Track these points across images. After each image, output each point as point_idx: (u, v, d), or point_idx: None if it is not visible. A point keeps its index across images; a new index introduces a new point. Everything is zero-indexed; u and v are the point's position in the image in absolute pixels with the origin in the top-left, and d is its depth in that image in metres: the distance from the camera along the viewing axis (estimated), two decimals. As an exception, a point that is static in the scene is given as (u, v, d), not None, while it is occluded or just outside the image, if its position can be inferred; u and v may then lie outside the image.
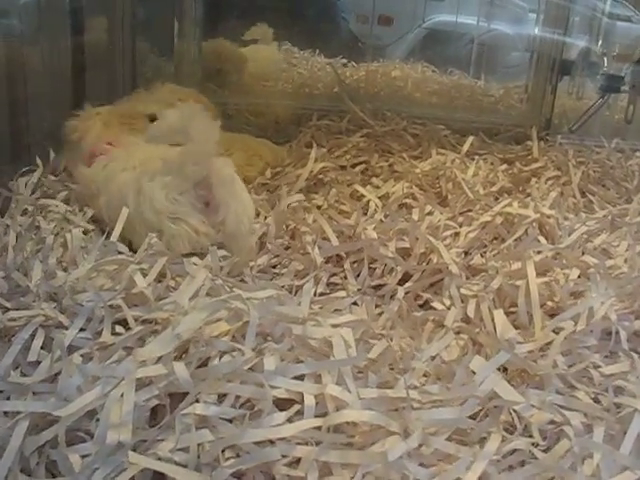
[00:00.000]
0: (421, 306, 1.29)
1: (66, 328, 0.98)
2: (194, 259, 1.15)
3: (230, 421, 0.79)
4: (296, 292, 1.24)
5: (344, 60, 2.93)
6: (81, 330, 0.97)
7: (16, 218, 1.32)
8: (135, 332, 0.91)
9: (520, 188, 1.77)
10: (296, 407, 0.81)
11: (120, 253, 1.13)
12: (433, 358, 1.02)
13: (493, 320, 1.15)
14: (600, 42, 2.32)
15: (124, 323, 0.98)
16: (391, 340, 1.09)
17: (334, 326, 0.99)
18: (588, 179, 1.91)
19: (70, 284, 1.04)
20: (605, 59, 2.30)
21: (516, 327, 1.15)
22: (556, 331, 1.07)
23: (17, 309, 1.03)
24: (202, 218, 1.19)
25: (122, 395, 0.79)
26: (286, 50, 3.12)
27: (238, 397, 0.81)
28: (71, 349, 0.94)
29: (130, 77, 2.29)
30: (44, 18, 1.90)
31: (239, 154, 1.73)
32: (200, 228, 1.18)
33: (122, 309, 0.96)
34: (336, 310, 1.13)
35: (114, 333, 0.95)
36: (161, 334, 0.84)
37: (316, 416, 0.80)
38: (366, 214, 1.51)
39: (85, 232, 1.30)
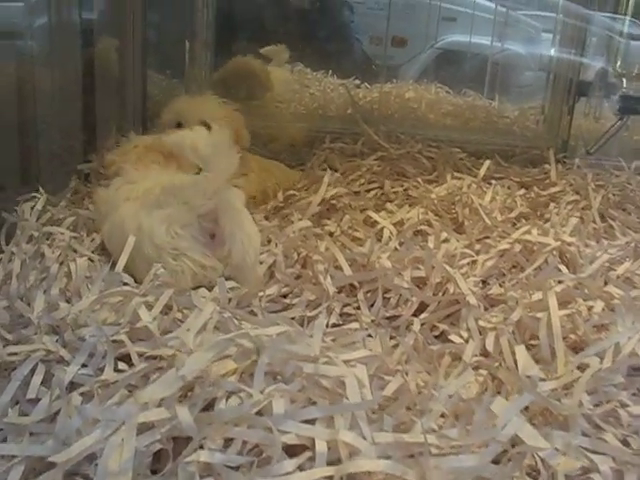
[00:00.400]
0: (437, 337, 1.24)
1: (68, 363, 0.94)
2: (202, 290, 1.11)
3: (237, 469, 0.75)
4: (308, 323, 1.19)
5: (357, 81, 2.90)
6: (83, 366, 0.93)
7: (21, 245, 1.28)
8: (138, 370, 0.87)
9: (538, 213, 1.72)
10: (307, 454, 0.76)
11: (125, 284, 1.09)
12: (451, 396, 0.97)
13: (513, 354, 1.11)
14: (619, 62, 2.27)
15: (128, 359, 0.93)
16: (406, 375, 1.05)
17: (347, 362, 0.95)
18: (608, 203, 1.86)
19: (73, 316, 1.00)
20: (624, 80, 2.25)
21: (537, 361, 1.10)
22: (581, 368, 1.02)
23: (18, 342, 1.00)
24: (206, 252, 1.15)
25: (122, 440, 0.75)
26: (299, 71, 3.10)
27: (245, 442, 0.76)
28: (72, 386, 0.90)
29: (140, 99, 2.27)
30: (55, 40, 1.88)
31: (252, 176, 1.70)
32: (205, 262, 1.15)
33: (126, 344, 0.92)
34: (349, 344, 1.09)
35: (117, 370, 0.91)
36: (165, 374, 0.80)
37: (328, 464, 0.75)
38: (380, 241, 1.47)
39: (92, 260, 1.27)
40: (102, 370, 0.91)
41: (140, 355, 0.92)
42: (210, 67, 2.46)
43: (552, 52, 2.47)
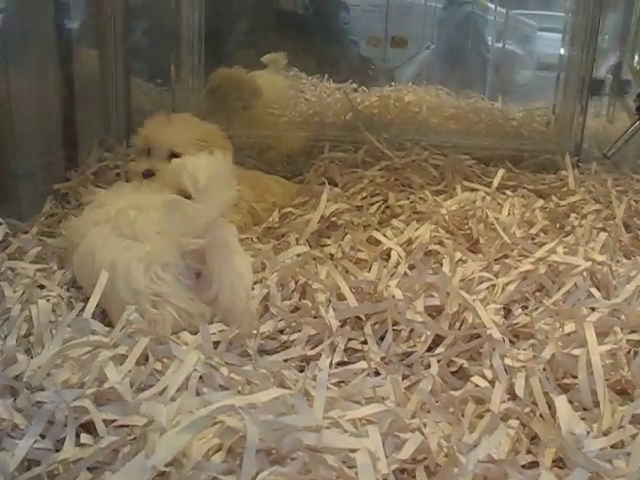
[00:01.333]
0: (454, 373, 1.09)
1: (23, 433, 0.78)
2: (184, 334, 0.95)
3: None
4: (308, 363, 1.04)
5: (354, 85, 2.75)
6: (40, 437, 0.77)
7: (-21, 283, 1.13)
8: (105, 446, 0.71)
9: (557, 225, 1.57)
10: None
11: (93, 333, 0.93)
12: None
13: (547, 397, 0.96)
14: (636, 59, 2.12)
15: (94, 427, 0.78)
16: (424, 427, 0.90)
17: (356, 422, 0.80)
18: (630, 211, 1.70)
19: (30, 373, 0.85)
20: (641, 78, 2.10)
21: (575, 408, 0.95)
22: (635, 420, 0.86)
23: (-34, 402, 0.84)
24: (191, 296, 0.99)
25: None
26: (294, 76, 2.95)
27: None
28: (29, 464, 0.75)
29: (124, 111, 2.12)
30: (31, 50, 1.74)
31: (247, 191, 1.53)
32: (189, 309, 0.99)
33: (90, 411, 0.76)
34: (357, 393, 0.93)
35: (79, 444, 0.75)
36: (132, 460, 0.64)
37: None
38: (387, 261, 1.31)
39: (62, 297, 1.11)
40: (62, 442, 0.76)
41: (110, 422, 0.77)
42: (199, 74, 2.31)
43: (562, 49, 2.31)
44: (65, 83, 1.87)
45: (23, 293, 1.07)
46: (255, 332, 1.05)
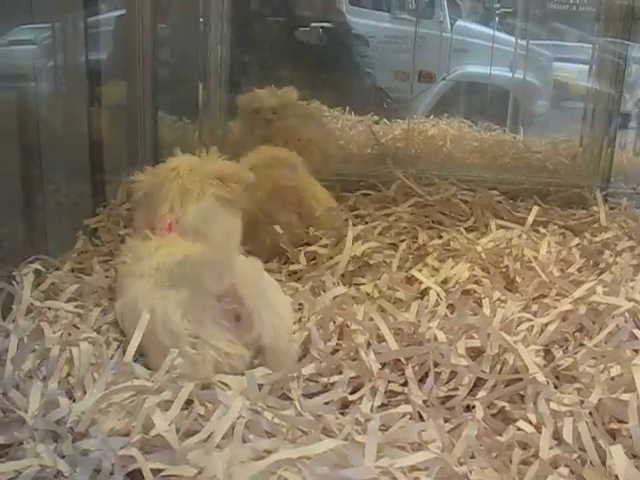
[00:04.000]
0: (494, 415, 1.07)
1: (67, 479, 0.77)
2: (228, 378, 0.94)
3: None
4: (348, 406, 1.03)
5: (375, 117, 2.76)
6: (86, 485, 0.76)
7: (18, 321, 1.12)
8: (154, 496, 0.70)
9: (591, 262, 1.55)
10: None
11: (136, 377, 0.92)
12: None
13: (595, 442, 0.94)
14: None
15: (141, 476, 0.76)
16: (471, 474, 0.88)
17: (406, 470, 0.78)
18: (663, 247, 1.68)
19: (74, 419, 0.83)
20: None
21: (627, 455, 0.93)
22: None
23: (9, 446, 0.84)
24: (231, 337, 0.99)
25: None
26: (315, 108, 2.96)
27: None
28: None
29: (151, 144, 2.12)
30: (60, 83, 1.76)
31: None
32: (229, 350, 0.98)
33: (137, 460, 0.75)
34: (402, 439, 0.91)
35: (128, 494, 0.74)
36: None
37: None
38: (423, 300, 1.30)
39: (96, 341, 1.09)
40: (110, 492, 0.75)
41: (156, 472, 0.75)
42: (225, 108, 2.32)
43: (590, 82, 2.31)
44: (93, 117, 1.87)
45: (62, 334, 1.06)
46: (297, 375, 1.04)
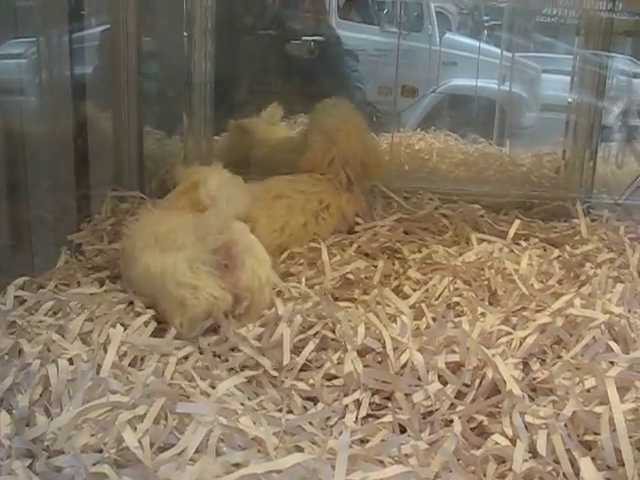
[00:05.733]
0: (473, 429, 1.08)
1: (42, 496, 0.77)
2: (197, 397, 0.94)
3: None
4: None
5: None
6: (60, 503, 0.76)
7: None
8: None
9: (572, 274, 1.56)
10: None
11: (113, 393, 0.92)
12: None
13: (569, 454, 0.95)
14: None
15: (115, 492, 0.77)
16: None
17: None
18: (643, 258, 1.69)
19: (51, 436, 0.84)
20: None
21: (599, 467, 0.94)
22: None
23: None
24: (220, 284, 1.22)
25: None
26: (302, 122, 2.98)
27: None
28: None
29: (137, 158, 2.13)
30: (45, 97, 1.76)
31: None
32: (218, 295, 1.21)
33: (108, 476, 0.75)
34: (381, 453, 0.92)
35: (101, 511, 0.74)
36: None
37: None
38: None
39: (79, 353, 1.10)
40: (83, 508, 0.75)
41: (129, 488, 0.76)
42: (210, 122, 2.32)
43: (571, 95, 2.32)
44: (78, 131, 1.88)
45: (42, 349, 1.06)
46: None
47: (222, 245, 1.23)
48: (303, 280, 1.44)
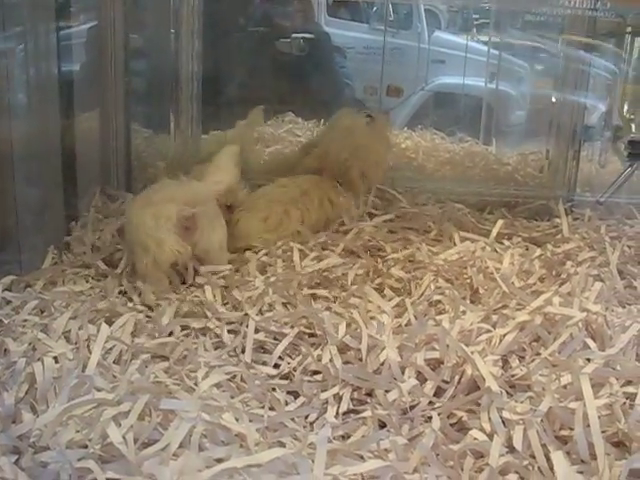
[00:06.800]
0: (453, 424, 1.10)
1: (28, 491, 0.79)
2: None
3: None
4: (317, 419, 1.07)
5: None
6: (45, 498, 0.78)
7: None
8: (110, 507, 0.72)
9: (554, 272, 1.59)
10: None
11: (98, 390, 0.94)
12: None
13: (545, 449, 0.98)
14: (626, 107, 2.16)
15: (99, 487, 0.79)
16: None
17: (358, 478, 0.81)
18: (624, 257, 1.72)
19: (37, 432, 0.86)
20: (632, 125, 2.14)
21: (573, 462, 0.97)
22: (633, 475, 0.87)
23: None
24: (179, 240, 1.43)
25: None
26: (289, 120, 2.99)
27: None
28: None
29: (124, 156, 2.13)
30: (32, 95, 1.76)
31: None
32: (178, 248, 1.43)
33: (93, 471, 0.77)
34: (361, 447, 0.94)
35: (84, 505, 0.76)
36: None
37: None
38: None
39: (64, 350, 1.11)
40: (68, 502, 0.77)
41: (113, 483, 0.78)
42: (197, 122, 2.33)
43: (555, 96, 2.35)
44: (66, 129, 1.88)
45: (28, 345, 1.08)
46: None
47: (191, 215, 1.44)
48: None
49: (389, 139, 2.12)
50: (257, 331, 1.24)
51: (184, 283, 1.48)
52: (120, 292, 1.45)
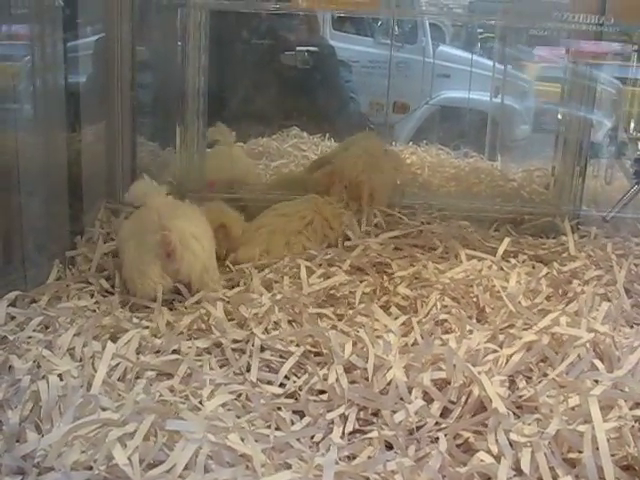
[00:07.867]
0: (460, 445, 1.09)
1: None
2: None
3: None
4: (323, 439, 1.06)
5: (356, 145, 2.78)
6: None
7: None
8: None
9: (560, 291, 1.58)
10: None
11: (103, 409, 0.93)
12: None
13: (553, 476, 0.97)
14: (633, 125, 2.16)
15: (104, 509, 0.78)
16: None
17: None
18: (631, 276, 1.71)
19: (42, 453, 0.85)
20: (639, 143, 2.14)
21: (582, 485, 0.96)
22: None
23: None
24: (160, 270, 1.47)
25: None
26: (294, 135, 2.99)
27: None
28: None
29: (129, 170, 2.13)
30: (39, 106, 1.76)
31: None
32: (160, 280, 1.46)
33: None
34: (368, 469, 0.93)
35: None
36: None
37: None
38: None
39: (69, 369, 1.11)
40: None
41: (118, 505, 0.77)
42: (204, 134, 2.34)
43: (561, 112, 2.35)
44: (71, 142, 1.88)
45: (32, 363, 1.08)
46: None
47: (161, 239, 1.46)
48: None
49: (400, 171, 2.23)
50: (263, 349, 1.24)
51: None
52: (124, 305, 1.45)
